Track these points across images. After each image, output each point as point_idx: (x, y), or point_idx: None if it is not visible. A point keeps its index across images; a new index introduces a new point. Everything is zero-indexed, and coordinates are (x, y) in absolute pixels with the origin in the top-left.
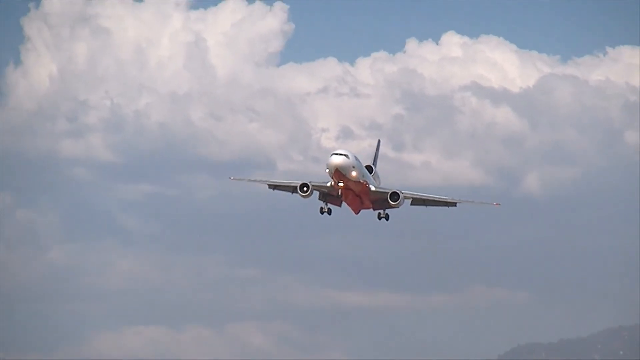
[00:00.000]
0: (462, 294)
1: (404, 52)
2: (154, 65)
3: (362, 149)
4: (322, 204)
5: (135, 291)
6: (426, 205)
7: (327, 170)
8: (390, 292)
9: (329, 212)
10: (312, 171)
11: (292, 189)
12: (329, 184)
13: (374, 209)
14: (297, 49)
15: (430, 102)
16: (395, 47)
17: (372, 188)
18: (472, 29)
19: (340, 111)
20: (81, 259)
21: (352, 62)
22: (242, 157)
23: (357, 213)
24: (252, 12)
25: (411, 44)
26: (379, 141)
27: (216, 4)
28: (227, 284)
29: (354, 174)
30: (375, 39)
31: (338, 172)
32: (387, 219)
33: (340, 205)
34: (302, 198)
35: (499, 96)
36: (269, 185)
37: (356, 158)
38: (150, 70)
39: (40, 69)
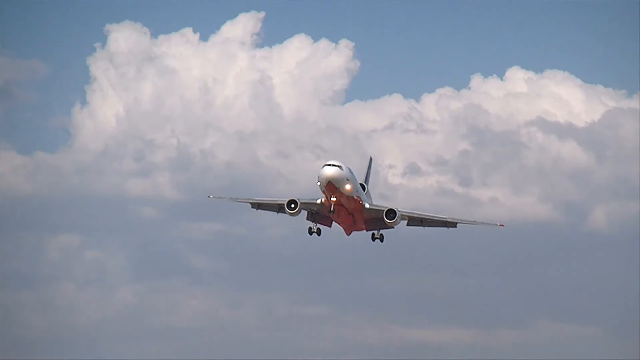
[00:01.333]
0: (529, 329)
1: (469, 88)
2: (220, 104)
3: (429, 185)
4: (310, 223)
5: (204, 329)
6: (424, 226)
7: (319, 184)
8: (455, 327)
9: (319, 232)
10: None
11: (278, 208)
12: (318, 201)
13: (367, 230)
14: (362, 86)
15: (496, 138)
16: (460, 83)
17: (367, 205)
18: (536, 64)
19: (406, 147)
20: (149, 298)
21: (417, 99)
22: (309, 194)
23: (348, 234)
24: (318, 50)
25: (476, 80)
26: (371, 158)
27: (281, 42)
28: (295, 321)
29: (347, 187)
30: (440, 75)
31: (331, 185)
32: (381, 240)
33: (330, 226)
34: (290, 216)
35: (564, 131)
36: (252, 204)
37: (350, 170)
38: (216, 109)
39: (106, 109)
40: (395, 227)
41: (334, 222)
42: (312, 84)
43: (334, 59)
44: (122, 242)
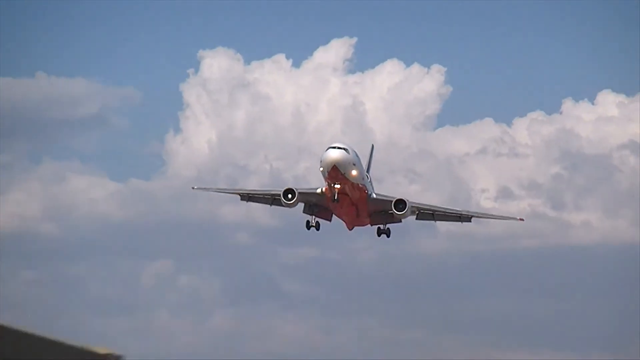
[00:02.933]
0: (624, 353)
1: (560, 112)
2: (313, 130)
3: (521, 208)
4: (308, 216)
5: (298, 355)
6: (435, 220)
7: (321, 169)
8: (551, 350)
9: (317, 226)
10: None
11: (271, 199)
12: (318, 191)
13: (371, 224)
14: (453, 111)
15: (588, 162)
16: (551, 107)
17: (373, 195)
18: (628, 87)
19: (498, 172)
20: (243, 323)
21: (508, 123)
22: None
23: (350, 228)
24: (410, 75)
25: (567, 104)
26: (373, 146)
27: (373, 67)
28: (390, 346)
29: (354, 173)
30: (531, 99)
31: (336, 171)
32: (388, 235)
33: (330, 219)
34: (286, 207)
35: None
36: (241, 196)
37: (356, 154)
38: (309, 134)
39: (199, 136)
40: (403, 220)
41: (334, 216)
42: (404, 109)
43: (426, 84)
44: (216, 267)
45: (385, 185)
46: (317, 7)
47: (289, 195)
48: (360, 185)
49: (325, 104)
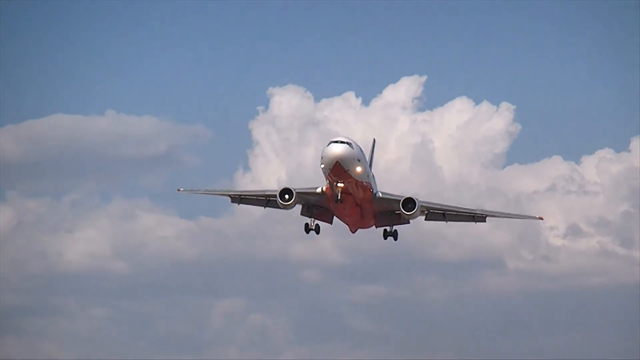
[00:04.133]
0: None
1: (629, 150)
2: (382, 168)
3: (590, 246)
4: (307, 219)
5: None
6: (446, 221)
7: (322, 166)
8: None
9: (317, 230)
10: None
11: (266, 201)
12: (318, 190)
13: (376, 225)
14: (522, 149)
15: None
16: (619, 145)
17: (379, 194)
18: None
19: (567, 209)
20: None
21: (577, 161)
22: (472, 256)
23: (354, 231)
24: (479, 113)
25: (636, 142)
26: (374, 140)
27: (443, 105)
28: None
29: (358, 169)
30: (599, 137)
31: (339, 167)
32: (395, 238)
33: (331, 222)
34: (282, 209)
35: None
36: (232, 198)
37: (361, 149)
38: (378, 172)
39: (268, 174)
40: (411, 221)
41: (335, 218)
42: (472, 147)
43: (495, 122)
44: (286, 305)
45: (455, 224)
46: (387, 46)
47: (286, 196)
48: (365, 184)
49: (394, 142)
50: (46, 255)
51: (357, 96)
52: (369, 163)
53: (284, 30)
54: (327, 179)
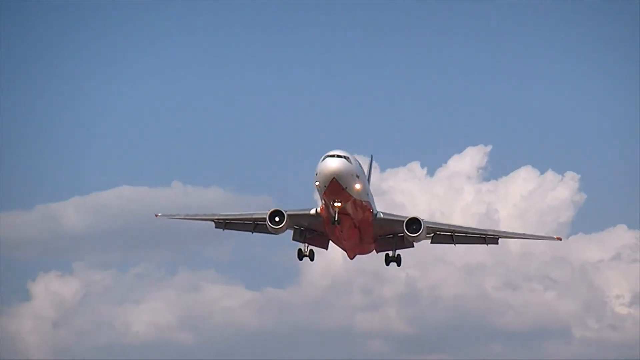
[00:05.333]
0: None
1: None
2: None
3: None
4: (300, 245)
5: None
6: (455, 243)
7: (317, 183)
8: None
9: (311, 256)
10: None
11: (253, 225)
12: (312, 212)
13: (377, 250)
14: (586, 218)
15: None
16: None
17: (380, 215)
18: None
19: (633, 278)
20: None
21: None
22: (537, 326)
23: (352, 257)
24: (544, 182)
25: None
26: (372, 157)
27: (507, 174)
28: None
29: (357, 187)
30: None
31: (335, 185)
32: (398, 264)
33: (326, 247)
34: (272, 233)
35: None
36: (215, 223)
37: (359, 164)
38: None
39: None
40: (416, 244)
41: (331, 242)
42: (537, 216)
43: (560, 191)
44: None
45: (521, 293)
46: (452, 116)
47: (277, 219)
48: (364, 203)
49: (459, 212)
50: (113, 327)
51: (422, 166)
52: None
53: (349, 100)
54: (322, 198)
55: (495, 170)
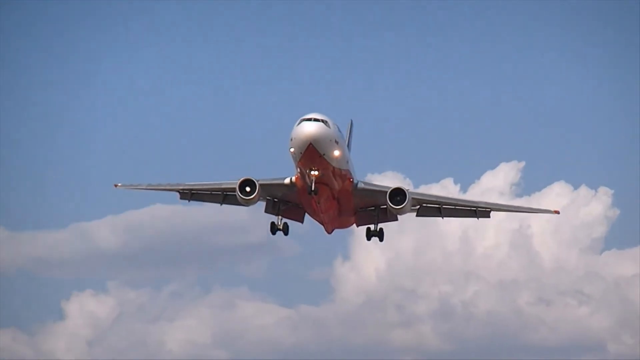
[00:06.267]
0: None
1: None
2: (480, 255)
3: None
4: (273, 217)
5: None
6: (442, 216)
7: (292, 150)
8: None
9: (285, 230)
10: None
11: (222, 196)
12: (286, 181)
13: (357, 224)
14: (620, 234)
15: None
16: None
17: (360, 185)
18: None
19: None
20: None
21: None
22: (571, 341)
23: (330, 231)
24: (577, 198)
25: None
26: (351, 122)
27: (540, 190)
28: None
29: (336, 153)
30: None
31: (312, 152)
32: (381, 239)
33: (302, 220)
34: (243, 204)
35: None
36: (180, 193)
37: (338, 129)
38: (476, 259)
39: (368, 262)
40: (399, 217)
41: (307, 215)
42: (570, 232)
43: (593, 206)
44: None
45: (554, 309)
46: (485, 132)
47: (247, 189)
48: (343, 172)
49: (492, 228)
50: (147, 345)
51: (455, 183)
52: (347, 145)
53: (381, 117)
54: (297, 166)
55: (528, 186)
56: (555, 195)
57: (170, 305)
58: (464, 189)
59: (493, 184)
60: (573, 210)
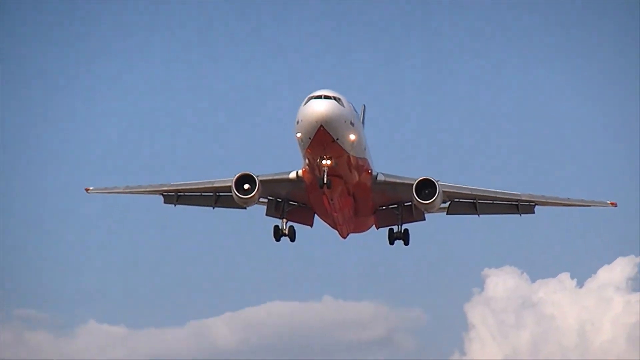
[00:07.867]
0: None
1: None
2: (596, 349)
3: None
4: (277, 220)
5: None
6: (479, 214)
7: (299, 134)
8: None
9: (292, 236)
10: None
11: (215, 197)
12: (292, 175)
13: (377, 225)
14: None
15: None
16: None
17: (381, 177)
18: None
19: None
20: None
21: None
22: None
23: (345, 236)
24: None
25: None
26: (364, 106)
27: None
28: None
29: (352, 137)
30: None
31: (323, 135)
32: (406, 242)
33: (311, 223)
34: (241, 205)
35: None
36: (164, 196)
37: (354, 108)
38: (593, 354)
39: (485, 358)
40: (426, 215)
41: (316, 217)
42: None
43: None
44: None
45: None
46: (603, 228)
47: (246, 186)
48: (360, 161)
49: (609, 323)
50: None
51: (572, 277)
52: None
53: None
54: (304, 156)
55: None
56: None
57: None
58: (579, 283)
59: (609, 278)
60: None
